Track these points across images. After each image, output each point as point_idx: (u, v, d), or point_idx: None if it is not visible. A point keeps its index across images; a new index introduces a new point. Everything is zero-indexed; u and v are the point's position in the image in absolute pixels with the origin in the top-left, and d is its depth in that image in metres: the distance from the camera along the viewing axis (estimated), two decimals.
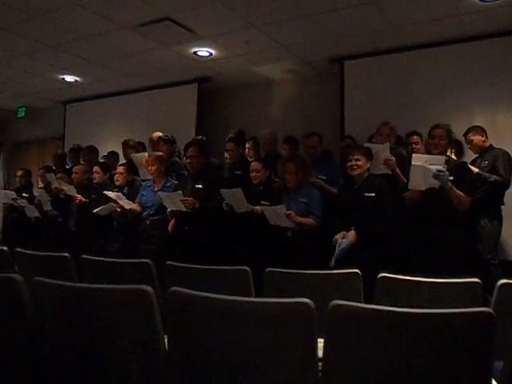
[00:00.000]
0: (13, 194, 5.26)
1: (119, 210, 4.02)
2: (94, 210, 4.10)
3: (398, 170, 3.39)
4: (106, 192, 4.05)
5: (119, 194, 4.07)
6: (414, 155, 3.12)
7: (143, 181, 4.44)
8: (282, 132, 4.54)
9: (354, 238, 3.05)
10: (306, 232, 3.36)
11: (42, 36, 4.85)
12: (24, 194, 5.23)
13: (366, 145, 3.51)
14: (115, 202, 3.99)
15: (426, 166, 2.92)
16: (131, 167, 4.48)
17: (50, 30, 4.69)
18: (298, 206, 3.41)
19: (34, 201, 5.04)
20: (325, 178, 3.81)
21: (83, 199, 4.36)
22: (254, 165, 3.77)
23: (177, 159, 4.82)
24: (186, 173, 4.29)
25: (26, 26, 4.60)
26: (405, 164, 3.43)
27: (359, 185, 3.23)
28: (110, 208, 4.06)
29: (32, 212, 4.94)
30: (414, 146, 3.89)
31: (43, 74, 6.12)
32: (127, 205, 4.00)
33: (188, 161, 3.86)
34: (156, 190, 4.04)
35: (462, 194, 2.94)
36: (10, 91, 6.93)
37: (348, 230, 3.11)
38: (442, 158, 2.98)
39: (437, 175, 2.87)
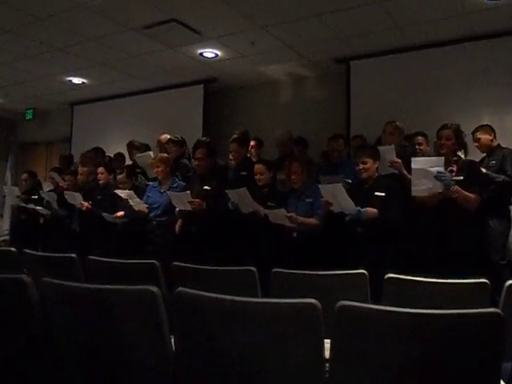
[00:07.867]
0: (16, 191, 5.28)
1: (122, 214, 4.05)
2: (103, 214, 4.12)
3: (404, 171, 3.36)
4: (117, 191, 4.05)
5: (131, 192, 4.04)
6: (412, 159, 3.02)
7: (150, 180, 4.43)
8: None
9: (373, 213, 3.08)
10: (312, 232, 3.35)
11: (49, 38, 4.89)
12: (33, 197, 5.25)
13: None
14: (126, 201, 3.99)
15: (427, 168, 2.86)
16: (131, 172, 4.45)
17: (57, 33, 4.72)
18: (305, 206, 3.44)
19: (43, 202, 5.07)
20: (350, 181, 3.67)
21: (89, 206, 4.35)
22: (258, 167, 3.75)
23: (186, 161, 4.81)
24: (193, 173, 4.28)
25: (33, 29, 4.64)
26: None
27: (369, 185, 3.26)
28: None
29: (45, 211, 4.97)
30: (417, 146, 3.83)
31: (51, 77, 6.16)
32: (137, 205, 4.00)
33: (196, 163, 3.87)
34: (163, 190, 4.05)
35: (468, 194, 2.89)
36: (18, 93, 6.98)
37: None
38: (442, 159, 2.92)
39: (438, 177, 2.82)
